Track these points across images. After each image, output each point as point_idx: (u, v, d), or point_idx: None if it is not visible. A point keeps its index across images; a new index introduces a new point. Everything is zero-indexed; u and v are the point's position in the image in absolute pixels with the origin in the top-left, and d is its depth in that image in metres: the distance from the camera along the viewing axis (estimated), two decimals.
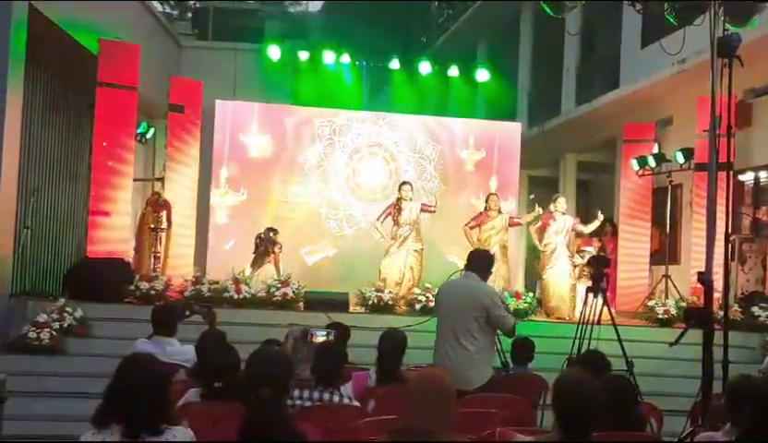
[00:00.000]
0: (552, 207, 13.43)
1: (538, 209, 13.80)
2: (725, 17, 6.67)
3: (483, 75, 16.42)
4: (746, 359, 10.47)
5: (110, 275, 11.42)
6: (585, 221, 13.96)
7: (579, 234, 14.09)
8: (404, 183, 13.62)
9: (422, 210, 13.46)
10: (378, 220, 13.61)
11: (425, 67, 16.09)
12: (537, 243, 13.47)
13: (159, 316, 6.80)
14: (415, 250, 13.24)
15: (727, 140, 6.60)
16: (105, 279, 11.29)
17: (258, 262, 13.21)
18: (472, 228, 13.47)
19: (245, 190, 14.72)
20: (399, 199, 13.31)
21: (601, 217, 13.72)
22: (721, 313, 6.70)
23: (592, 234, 15.07)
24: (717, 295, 7.43)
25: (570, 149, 19.51)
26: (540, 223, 13.48)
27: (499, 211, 13.53)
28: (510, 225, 13.63)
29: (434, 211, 13.69)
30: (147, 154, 16.35)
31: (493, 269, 7.39)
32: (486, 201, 13.64)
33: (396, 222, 13.23)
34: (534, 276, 14.08)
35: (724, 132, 6.59)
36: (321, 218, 14.95)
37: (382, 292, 12.20)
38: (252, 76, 15.58)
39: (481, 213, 13.61)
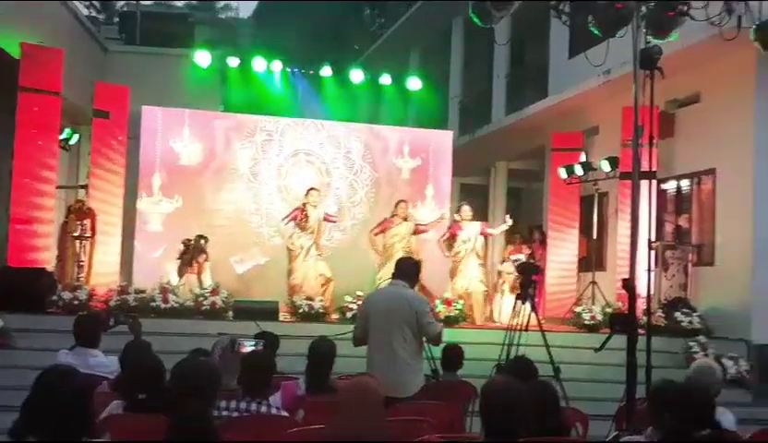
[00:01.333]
0: (457, 216, 13.61)
1: (509, 221, 13.97)
2: (646, 29, 6.81)
3: (414, 83, 16.49)
4: (669, 364, 10.72)
5: (32, 285, 11.16)
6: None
7: (497, 238, 14.24)
8: (312, 188, 13.56)
9: (325, 219, 13.46)
10: (282, 220, 13.53)
11: (356, 75, 16.09)
12: (446, 253, 13.59)
13: (82, 326, 6.63)
14: (319, 255, 13.28)
15: (650, 150, 6.74)
16: (27, 288, 11.04)
17: (182, 271, 13.04)
18: (376, 234, 13.54)
19: (179, 197, 14.48)
20: (305, 204, 13.26)
21: (509, 221, 13.94)
22: (645, 318, 6.84)
23: (521, 241, 15.30)
24: (641, 301, 7.58)
25: (501, 157, 19.73)
26: (447, 234, 13.64)
27: (405, 219, 13.55)
28: (415, 233, 13.63)
29: (335, 220, 13.79)
30: (71, 161, 16.02)
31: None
32: (395, 207, 13.65)
33: (301, 227, 13.17)
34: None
35: (647, 141, 6.73)
36: (251, 226, 14.81)
37: (313, 300, 12.16)
38: (181, 82, 15.36)
39: (386, 219, 13.65)
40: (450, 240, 13.54)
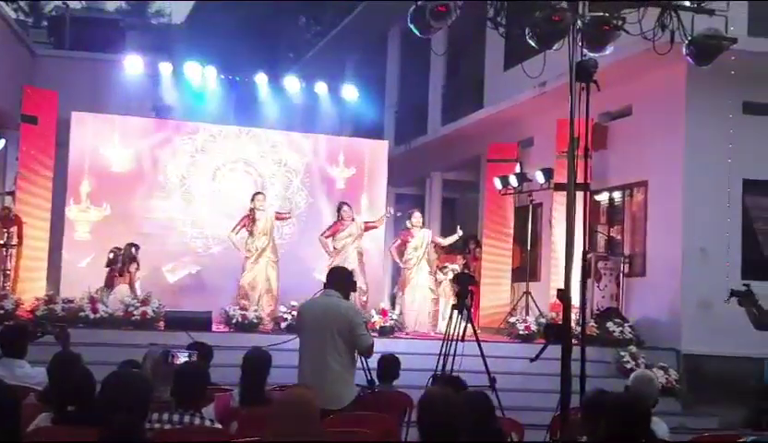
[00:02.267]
0: (408, 223, 13.64)
1: (459, 232, 13.98)
2: (582, 42, 6.88)
3: (350, 92, 16.44)
4: (601, 373, 10.87)
5: None
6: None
7: (438, 246, 14.24)
8: (258, 193, 13.48)
9: (276, 218, 13.37)
10: (232, 231, 13.33)
11: (292, 83, 15.98)
12: (398, 260, 13.64)
13: (8, 336, 6.44)
14: (273, 261, 13.16)
15: (584, 161, 6.79)
16: None
17: (111, 280, 12.75)
18: (327, 237, 13.47)
19: (107, 205, 14.18)
20: (252, 210, 13.14)
21: (460, 231, 14.03)
22: (579, 328, 6.89)
23: (456, 251, 15.34)
24: (575, 311, 7.63)
25: (436, 168, 19.81)
26: (399, 241, 13.68)
27: (353, 219, 13.54)
28: (365, 230, 13.66)
29: (288, 217, 13.78)
30: None
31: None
32: (339, 211, 13.60)
33: (251, 233, 13.05)
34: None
35: (581, 153, 6.79)
36: (184, 234, 14.58)
37: (247, 310, 12.02)
38: (112, 87, 15.08)
39: (336, 222, 13.59)
40: (401, 247, 13.56)
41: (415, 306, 13.25)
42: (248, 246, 13.06)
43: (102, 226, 14.11)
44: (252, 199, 13.29)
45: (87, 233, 14.12)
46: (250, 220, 13.07)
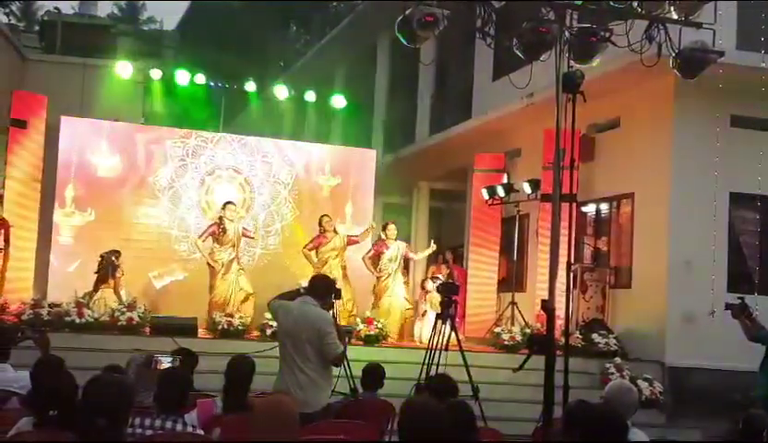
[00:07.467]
0: (383, 235, 13.63)
1: (433, 246, 13.97)
2: (569, 54, 6.92)
3: (339, 101, 16.46)
4: (586, 384, 10.88)
5: None
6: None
7: (410, 261, 14.21)
8: (229, 202, 13.43)
9: (243, 235, 13.32)
10: (199, 238, 13.22)
11: (281, 91, 15.99)
12: (372, 270, 13.60)
13: None
14: (241, 269, 13.14)
15: (570, 173, 6.83)
16: None
17: (98, 286, 12.70)
18: (310, 250, 13.46)
19: (92, 210, 14.15)
20: (221, 218, 13.10)
21: (433, 246, 14.00)
22: (563, 340, 6.91)
23: (439, 261, 15.39)
24: (560, 322, 7.66)
25: (424, 178, 19.82)
26: (372, 252, 13.66)
27: (335, 231, 13.54)
28: (348, 243, 13.64)
29: (252, 237, 13.70)
30: None
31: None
32: (320, 224, 13.58)
33: (219, 242, 12.98)
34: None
35: (568, 165, 6.82)
36: (172, 241, 14.55)
37: (232, 317, 12.00)
38: (102, 92, 15.07)
39: (318, 235, 13.57)
40: (375, 258, 13.56)
41: (391, 317, 13.21)
42: (215, 258, 12.97)
43: (90, 231, 14.07)
44: (223, 208, 13.25)
45: (70, 237, 14.07)
46: (219, 228, 13.01)
